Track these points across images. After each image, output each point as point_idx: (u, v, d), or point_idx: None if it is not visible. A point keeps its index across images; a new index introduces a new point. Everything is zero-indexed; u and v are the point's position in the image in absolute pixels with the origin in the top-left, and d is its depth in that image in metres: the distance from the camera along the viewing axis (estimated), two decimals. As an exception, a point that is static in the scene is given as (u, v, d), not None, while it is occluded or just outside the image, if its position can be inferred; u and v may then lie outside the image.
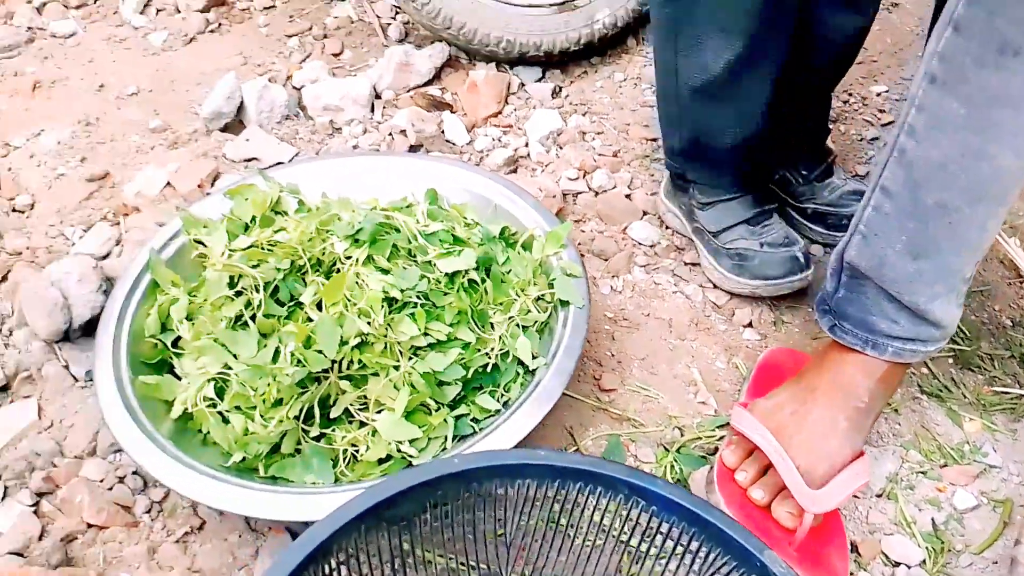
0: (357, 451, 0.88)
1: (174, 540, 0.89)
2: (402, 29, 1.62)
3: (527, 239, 1.04)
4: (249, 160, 1.33)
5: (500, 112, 1.46)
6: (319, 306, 0.92)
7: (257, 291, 0.93)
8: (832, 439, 0.85)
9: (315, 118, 1.43)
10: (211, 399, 0.89)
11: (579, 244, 1.22)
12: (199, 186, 1.25)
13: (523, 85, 1.52)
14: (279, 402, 0.86)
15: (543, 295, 0.99)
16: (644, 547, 0.71)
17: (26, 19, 1.60)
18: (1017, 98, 0.69)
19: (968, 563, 0.90)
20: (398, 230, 0.98)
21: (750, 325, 1.14)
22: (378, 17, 1.64)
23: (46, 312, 1.01)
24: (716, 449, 0.98)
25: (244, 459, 0.86)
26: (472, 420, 0.91)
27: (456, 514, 0.71)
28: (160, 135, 1.38)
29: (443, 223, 1.02)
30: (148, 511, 0.91)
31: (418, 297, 0.92)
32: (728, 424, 0.99)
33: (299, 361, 0.86)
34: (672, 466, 0.96)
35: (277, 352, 0.88)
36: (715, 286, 1.17)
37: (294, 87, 1.48)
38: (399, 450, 0.87)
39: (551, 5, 1.49)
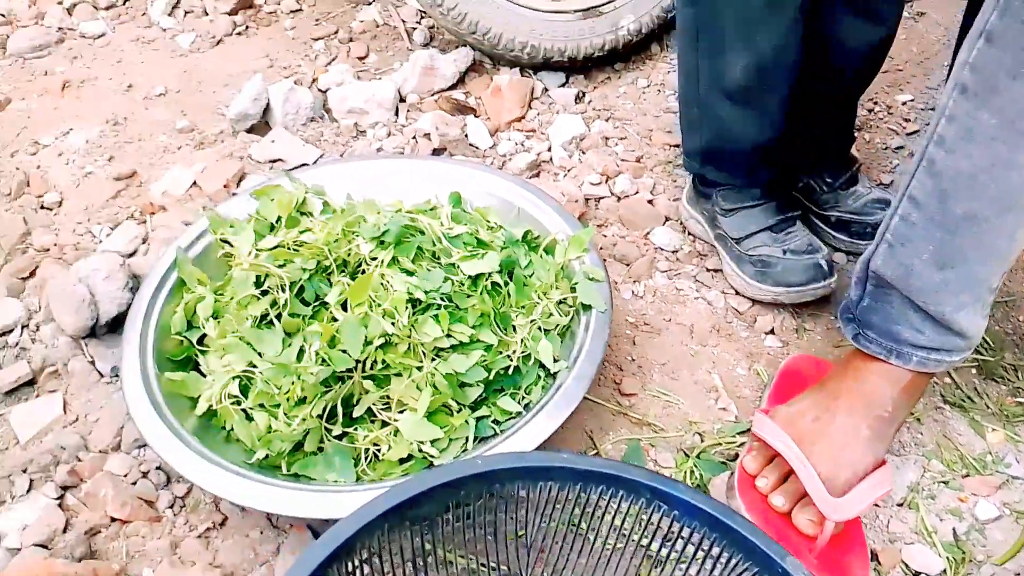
0: (379, 450, 0.88)
1: (196, 535, 0.89)
2: (427, 33, 1.63)
3: (550, 243, 1.04)
4: (274, 161, 1.34)
5: (523, 117, 1.46)
6: (344, 306, 0.92)
7: (283, 290, 0.94)
8: (854, 447, 0.85)
9: (340, 120, 1.44)
10: (235, 396, 0.90)
11: (601, 249, 1.22)
12: (225, 186, 1.27)
13: (547, 90, 1.52)
14: (303, 400, 0.87)
15: (565, 299, 0.99)
16: (664, 552, 0.71)
17: (56, 19, 1.62)
18: None
19: (989, 574, 0.89)
20: (423, 232, 0.99)
21: (772, 332, 1.13)
22: (403, 21, 1.65)
23: (73, 308, 1.02)
24: (736, 455, 0.98)
25: (267, 456, 0.87)
26: (493, 422, 0.91)
27: (478, 515, 0.71)
28: (187, 135, 1.40)
29: (467, 226, 1.02)
30: (171, 506, 0.92)
31: (442, 299, 0.93)
32: (749, 430, 0.98)
33: (323, 360, 0.87)
34: (692, 471, 0.96)
35: (302, 351, 0.89)
36: (737, 292, 1.17)
37: (320, 90, 1.49)
38: (420, 450, 0.87)
39: (576, 11, 1.50)
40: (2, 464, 0.94)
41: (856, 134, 1.25)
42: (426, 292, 0.92)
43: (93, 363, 1.04)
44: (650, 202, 1.30)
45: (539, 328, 0.97)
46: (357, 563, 0.64)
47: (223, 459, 0.84)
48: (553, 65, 1.52)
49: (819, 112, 1.18)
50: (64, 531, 0.88)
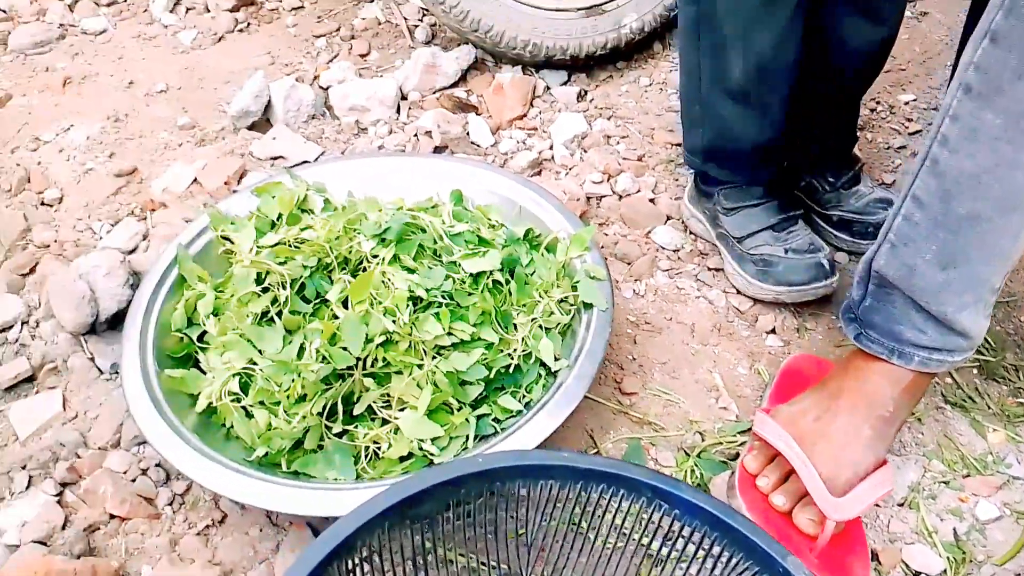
0: (379, 448, 0.88)
1: (195, 532, 0.89)
2: (429, 31, 1.62)
3: (551, 241, 1.04)
4: (275, 158, 1.34)
5: (525, 115, 1.46)
6: (345, 304, 0.92)
7: (284, 288, 0.94)
8: (856, 447, 0.85)
9: (341, 118, 1.44)
10: (235, 394, 0.90)
11: (602, 248, 1.22)
12: (226, 183, 1.27)
13: (548, 88, 1.52)
14: (303, 398, 0.87)
15: (566, 297, 0.99)
16: (665, 551, 0.71)
17: (58, 16, 1.62)
18: None
19: (990, 574, 0.89)
20: (424, 230, 0.99)
21: (773, 331, 1.13)
22: (405, 19, 1.65)
23: (73, 305, 1.02)
24: (737, 454, 0.98)
25: (267, 454, 0.87)
26: (494, 420, 0.91)
27: (478, 513, 0.71)
28: (188, 132, 1.40)
29: (468, 224, 1.02)
30: (170, 503, 0.92)
31: (443, 297, 0.93)
32: (749, 430, 0.98)
33: (324, 358, 0.87)
34: (692, 471, 0.96)
35: (302, 348, 0.89)
36: (738, 292, 1.17)
37: (321, 87, 1.49)
38: (421, 448, 0.87)
39: (578, 9, 1.49)
40: (1, 460, 0.94)
41: (858, 133, 1.25)
42: (427, 290, 0.92)
43: (93, 360, 1.04)
44: (652, 201, 1.30)
45: (540, 326, 0.97)
46: (357, 561, 0.64)
47: (223, 456, 0.84)
48: (555, 63, 1.52)
49: (821, 112, 1.18)
50: (63, 528, 0.88)
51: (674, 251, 1.24)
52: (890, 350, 0.86)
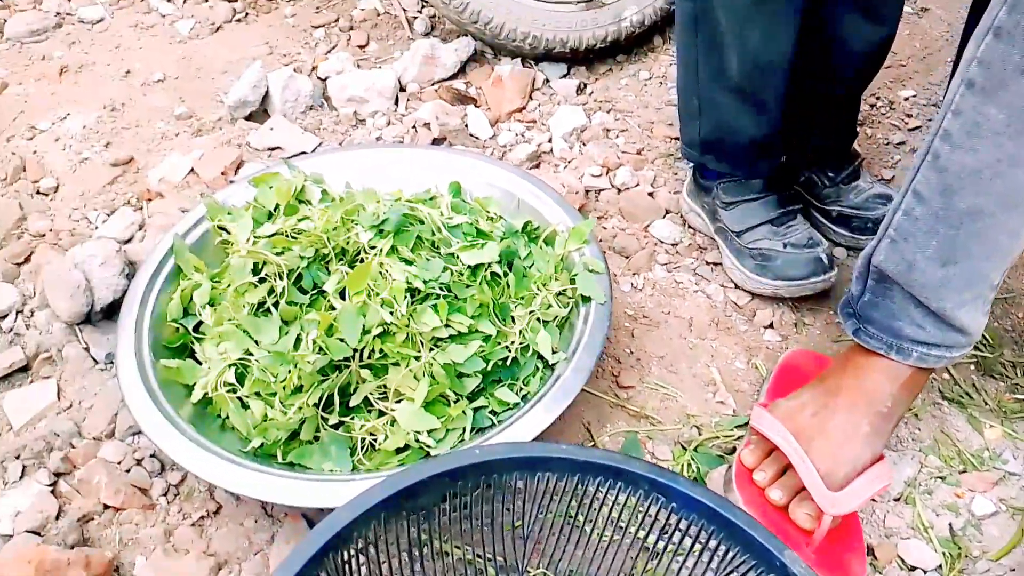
0: (375, 440, 0.88)
1: (190, 523, 0.89)
2: (428, 23, 1.62)
3: (550, 234, 1.04)
4: (273, 149, 1.33)
5: (524, 108, 1.45)
6: (342, 295, 0.92)
7: (280, 278, 0.93)
8: (853, 443, 0.84)
9: (339, 109, 1.43)
10: (231, 384, 0.89)
11: (601, 241, 1.22)
12: (223, 174, 1.26)
13: (548, 81, 1.52)
14: (299, 389, 0.87)
15: (564, 290, 0.99)
16: (662, 544, 0.71)
17: (55, 4, 1.61)
18: None
19: (985, 569, 0.89)
20: (422, 222, 0.99)
21: (771, 326, 1.13)
22: (404, 10, 1.64)
23: (68, 294, 1.02)
24: (734, 449, 0.98)
25: (262, 445, 0.87)
26: (491, 413, 0.91)
27: (475, 505, 0.71)
28: (185, 122, 1.39)
29: (467, 216, 1.02)
30: (165, 494, 0.91)
31: (441, 289, 0.92)
32: (746, 424, 0.98)
33: (320, 349, 0.86)
34: (689, 464, 0.96)
35: (299, 339, 0.89)
36: (737, 286, 1.17)
37: (319, 78, 1.48)
38: (417, 440, 0.87)
39: (578, 2, 1.49)
40: (-5, 450, 0.93)
41: (858, 129, 1.24)
42: (425, 282, 0.92)
43: (88, 349, 1.03)
44: (651, 195, 1.30)
45: (538, 319, 0.96)
46: (353, 552, 0.64)
47: (218, 447, 0.84)
48: (555, 56, 1.51)
49: (821, 109, 1.17)
50: (57, 518, 0.88)
51: (672, 245, 1.23)
52: (888, 345, 0.86)
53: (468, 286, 0.94)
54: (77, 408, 0.98)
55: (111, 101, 1.41)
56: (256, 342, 0.90)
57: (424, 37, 1.58)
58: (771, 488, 0.88)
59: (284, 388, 0.87)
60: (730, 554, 0.66)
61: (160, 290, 0.97)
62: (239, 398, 0.89)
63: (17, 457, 0.93)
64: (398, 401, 0.88)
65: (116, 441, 0.95)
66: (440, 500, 0.68)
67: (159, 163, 1.29)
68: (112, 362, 1.00)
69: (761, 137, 1.10)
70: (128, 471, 0.92)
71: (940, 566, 0.89)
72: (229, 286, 0.95)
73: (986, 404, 1.04)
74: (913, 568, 0.89)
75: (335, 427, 0.89)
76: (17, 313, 1.07)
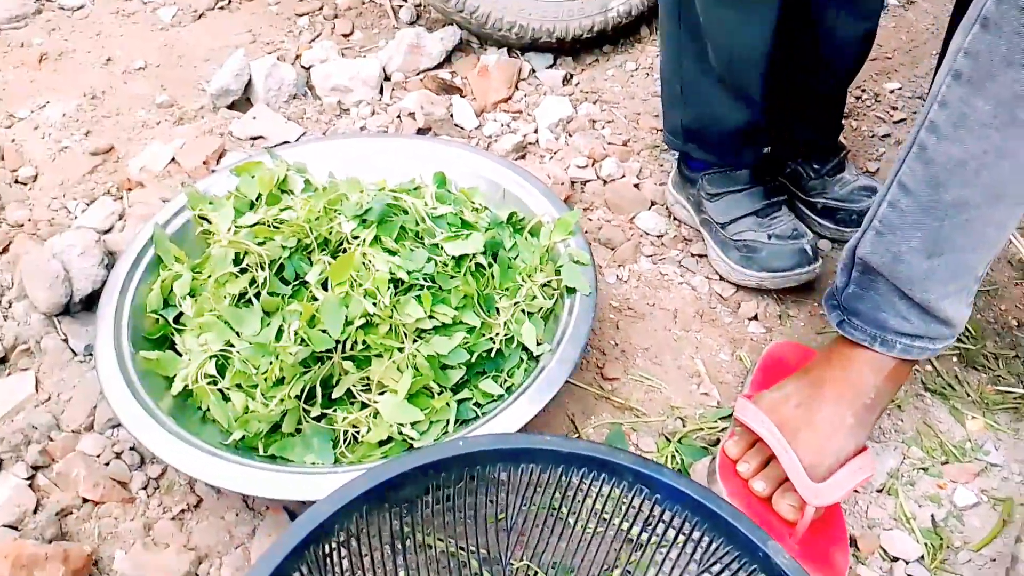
0: (358, 432, 0.87)
1: (170, 517, 0.88)
2: (413, 11, 1.60)
3: (535, 225, 1.03)
4: (255, 138, 1.32)
5: (510, 98, 1.44)
6: (324, 285, 0.91)
7: (262, 269, 0.92)
8: (838, 434, 0.85)
9: (323, 98, 1.42)
10: (212, 376, 0.88)
11: (586, 232, 1.21)
12: (204, 163, 1.24)
13: (534, 71, 1.51)
14: (281, 381, 0.86)
15: (549, 282, 0.98)
16: (645, 536, 0.70)
17: (34, -10, 1.59)
18: None
19: (966, 560, 0.89)
20: (406, 212, 0.98)
21: (755, 318, 1.13)
22: (389, -1, 1.63)
23: (46, 285, 1.00)
24: (718, 440, 0.98)
25: (244, 437, 0.86)
26: (475, 405, 0.90)
27: (458, 498, 0.70)
28: (166, 111, 1.37)
29: (451, 206, 1.01)
30: (145, 487, 0.90)
31: (424, 279, 0.92)
32: (731, 416, 0.98)
33: (302, 340, 0.85)
34: (673, 456, 0.96)
35: (280, 331, 0.88)
36: (721, 278, 1.16)
37: (303, 66, 1.47)
38: (400, 432, 0.86)
39: (564, -9, 1.48)
40: (-28, 442, 0.92)
41: (843, 122, 1.24)
42: (409, 272, 0.91)
43: (67, 341, 1.02)
44: (636, 186, 1.29)
45: (523, 311, 0.96)
46: (334, 545, 0.63)
47: (198, 440, 0.83)
48: (541, 46, 1.50)
49: (806, 102, 1.17)
50: (35, 512, 0.87)
51: (658, 237, 1.23)
52: (873, 337, 0.86)
53: (452, 277, 0.93)
54: (56, 400, 0.97)
55: (91, 89, 1.39)
56: (237, 333, 0.89)
57: (409, 26, 1.56)
58: (755, 479, 0.88)
59: (266, 380, 0.86)
60: (713, 545, 0.66)
61: (140, 280, 0.96)
62: (220, 390, 0.88)
63: (-6, 450, 0.91)
64: (381, 393, 0.88)
65: (95, 434, 0.94)
66: (423, 492, 0.67)
67: (140, 152, 1.28)
68: (91, 354, 0.99)
69: (744, 125, 1.10)
70: (107, 464, 0.91)
71: (922, 557, 0.89)
72: (210, 276, 0.94)
73: (968, 396, 1.05)
74: (895, 559, 0.89)
75: (317, 419, 0.88)
76: (-6, 304, 1.05)
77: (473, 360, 0.91)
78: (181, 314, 0.95)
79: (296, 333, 0.86)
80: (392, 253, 0.93)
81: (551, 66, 1.53)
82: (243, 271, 0.94)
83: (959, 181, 0.74)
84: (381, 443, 0.87)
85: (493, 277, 0.96)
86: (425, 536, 0.73)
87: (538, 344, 0.94)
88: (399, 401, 0.86)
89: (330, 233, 0.95)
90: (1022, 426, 1.02)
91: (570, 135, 1.38)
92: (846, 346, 0.89)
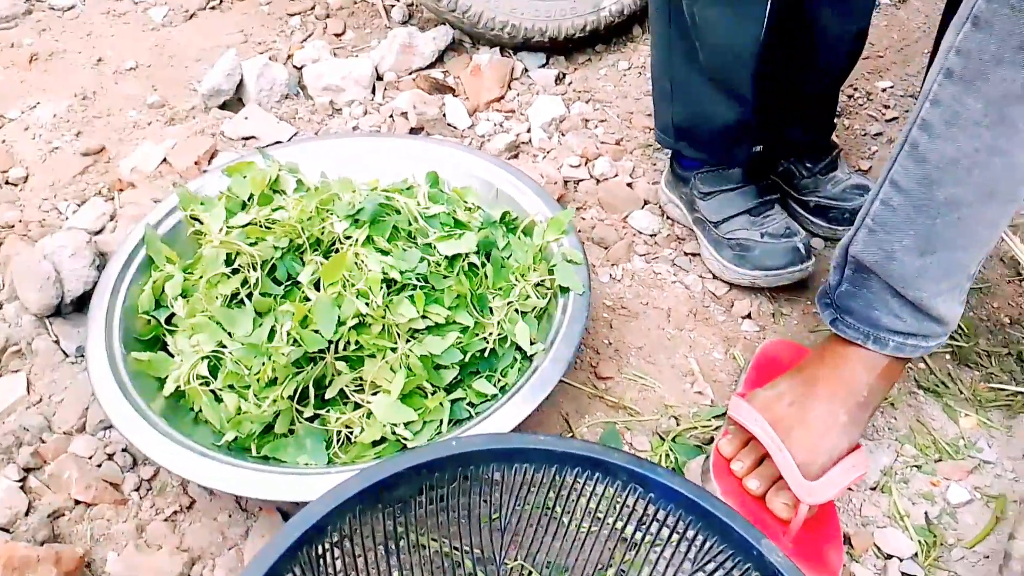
0: (351, 433, 0.87)
1: (163, 518, 0.88)
2: (406, 11, 1.60)
3: (528, 225, 1.03)
4: (247, 138, 1.31)
5: (503, 97, 1.44)
6: (317, 286, 0.91)
7: (254, 269, 0.92)
8: (831, 432, 0.85)
9: (315, 98, 1.42)
10: (204, 377, 0.88)
11: (579, 232, 1.21)
12: (196, 163, 1.24)
13: (526, 71, 1.51)
14: (273, 381, 0.86)
15: (543, 281, 0.98)
16: (639, 535, 0.70)
17: (24, -10, 1.58)
18: None
19: (960, 557, 0.90)
20: (399, 212, 0.97)
21: (749, 316, 1.13)
22: (381, -2, 1.63)
23: (37, 286, 1.00)
24: (712, 439, 0.98)
25: (236, 438, 0.86)
26: (468, 404, 0.90)
27: (451, 498, 0.70)
28: (158, 111, 1.37)
29: (444, 206, 1.01)
30: (137, 489, 0.90)
31: (417, 279, 0.91)
32: (724, 414, 0.98)
33: (295, 341, 0.85)
34: (667, 455, 0.96)
35: (273, 331, 0.88)
36: (715, 276, 1.17)
37: (295, 66, 1.46)
38: (394, 433, 0.86)
39: (556, -10, 1.48)
40: (-37, 445, 0.92)
41: (836, 121, 1.25)
42: (401, 272, 0.91)
43: (58, 342, 1.01)
44: (629, 185, 1.29)
45: (516, 310, 0.96)
46: (328, 546, 0.63)
47: (191, 441, 0.82)
48: (534, 46, 1.50)
49: (799, 101, 1.17)
50: (27, 514, 0.86)
51: (651, 236, 1.23)
52: (866, 335, 0.86)
53: (445, 277, 0.93)
54: (47, 402, 0.97)
55: (82, 89, 1.38)
56: (229, 334, 0.89)
57: (402, 26, 1.56)
58: (748, 478, 0.88)
59: (258, 381, 0.85)
60: (707, 544, 0.66)
61: (131, 281, 0.96)
62: (212, 391, 0.88)
63: (-15, 452, 0.91)
64: (374, 393, 0.87)
65: (87, 435, 0.94)
66: (416, 492, 0.67)
67: (131, 152, 1.27)
68: (82, 355, 0.98)
69: (734, 123, 1.10)
70: (99, 466, 0.91)
71: (916, 554, 0.89)
72: (202, 277, 0.94)
73: (961, 393, 1.05)
74: (889, 556, 0.89)
75: (310, 420, 0.87)
76: (-15, 305, 1.05)
77: (466, 360, 0.90)
78: (173, 315, 0.95)
79: (288, 333, 0.86)
80: (385, 253, 0.93)
81: (544, 65, 1.53)
82: (235, 272, 0.93)
83: (951, 179, 0.74)
84: (374, 443, 0.86)
85: (486, 277, 0.96)
86: (419, 536, 0.73)
87: (532, 343, 0.93)
88: (392, 401, 0.86)
89: (322, 233, 0.95)
90: (1015, 423, 1.02)
91: (563, 134, 1.38)
92: (839, 344, 0.89)
